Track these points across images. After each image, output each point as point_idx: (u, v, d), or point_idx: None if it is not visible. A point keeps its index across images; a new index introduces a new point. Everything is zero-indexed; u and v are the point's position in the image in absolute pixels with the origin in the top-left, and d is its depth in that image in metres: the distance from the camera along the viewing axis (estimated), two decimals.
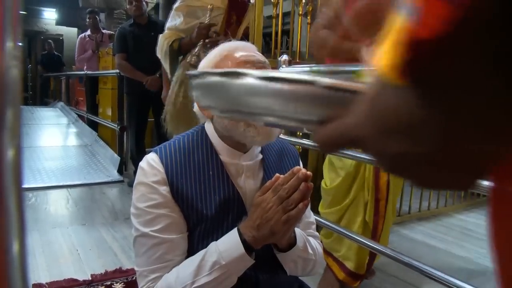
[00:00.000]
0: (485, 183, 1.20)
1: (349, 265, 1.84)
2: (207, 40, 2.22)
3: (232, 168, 0.99)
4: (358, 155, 1.62)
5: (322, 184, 1.93)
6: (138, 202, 0.94)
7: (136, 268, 0.95)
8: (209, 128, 1.01)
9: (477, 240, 2.82)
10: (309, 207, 1.13)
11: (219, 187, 0.96)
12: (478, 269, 2.36)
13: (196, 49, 2.24)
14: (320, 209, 1.96)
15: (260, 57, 0.97)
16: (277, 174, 0.89)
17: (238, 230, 0.89)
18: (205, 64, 1.00)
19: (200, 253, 0.91)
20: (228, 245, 0.88)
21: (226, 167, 0.98)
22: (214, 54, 1.00)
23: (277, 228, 0.86)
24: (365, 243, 1.61)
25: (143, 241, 0.92)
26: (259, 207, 0.88)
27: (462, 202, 3.65)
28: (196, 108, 1.03)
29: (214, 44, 2.18)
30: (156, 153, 0.97)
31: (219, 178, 0.97)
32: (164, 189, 0.92)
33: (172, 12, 2.40)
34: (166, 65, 2.44)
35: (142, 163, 0.97)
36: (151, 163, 0.95)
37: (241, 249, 0.87)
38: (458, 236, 2.88)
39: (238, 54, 0.96)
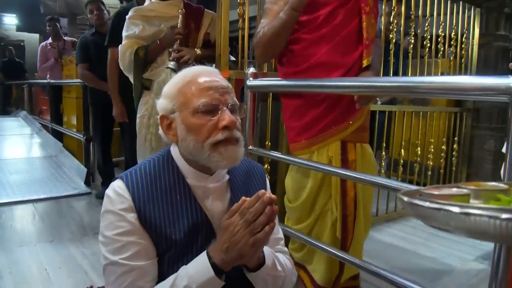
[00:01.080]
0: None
1: (316, 277, 1.85)
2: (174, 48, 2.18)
3: (199, 190, 1.00)
4: (327, 168, 1.65)
5: (285, 201, 1.91)
6: (106, 231, 0.94)
7: None
8: (174, 151, 1.02)
9: (443, 239, 2.92)
10: (277, 223, 1.16)
11: (187, 211, 0.97)
12: (444, 268, 2.44)
13: (172, 55, 2.17)
14: (286, 223, 1.95)
15: (223, 82, 0.99)
16: (243, 198, 0.91)
17: (207, 253, 0.90)
18: (168, 89, 1.01)
19: (171, 278, 0.91)
20: (197, 269, 0.89)
21: (193, 190, 1.00)
22: (177, 79, 1.01)
23: (245, 250, 0.87)
24: (335, 253, 1.65)
25: (112, 269, 0.93)
26: (227, 231, 0.89)
27: None
28: (161, 131, 1.03)
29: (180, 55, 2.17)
30: (122, 180, 0.97)
31: (186, 201, 0.98)
32: (132, 216, 0.93)
33: (127, 22, 2.34)
34: (130, 75, 2.40)
35: (109, 191, 0.97)
36: (117, 191, 0.95)
37: (210, 272, 0.88)
38: (425, 236, 2.97)
39: (201, 80, 0.97)
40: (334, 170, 1.62)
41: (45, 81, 5.53)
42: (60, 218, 3.19)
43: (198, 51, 2.28)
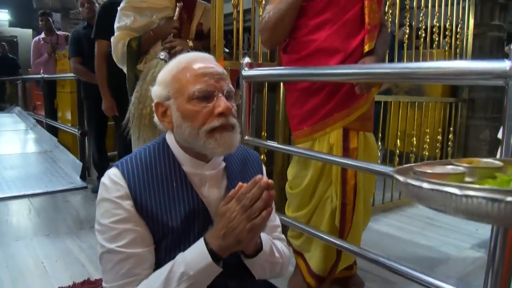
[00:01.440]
0: None
1: (313, 266, 1.86)
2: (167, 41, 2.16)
3: (196, 178, 1.00)
4: (326, 157, 1.65)
5: (287, 187, 1.93)
6: (102, 219, 0.93)
7: (104, 285, 0.95)
8: (170, 139, 1.02)
9: (439, 228, 2.94)
10: (274, 210, 1.16)
11: (183, 198, 0.97)
12: (440, 257, 2.45)
13: (164, 44, 2.15)
14: (286, 212, 1.97)
15: (218, 68, 0.98)
16: (240, 183, 0.90)
17: (205, 240, 0.90)
18: (163, 76, 1.00)
19: (168, 265, 0.91)
20: (195, 256, 0.89)
21: (189, 177, 0.99)
22: (172, 65, 1.00)
23: (242, 236, 0.87)
24: (332, 241, 1.65)
25: (109, 257, 0.92)
26: (224, 217, 0.89)
27: None
28: (156, 118, 1.02)
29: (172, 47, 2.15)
30: (118, 167, 0.96)
31: (182, 189, 0.97)
32: (128, 204, 0.92)
33: (119, 13, 2.31)
34: (124, 67, 2.38)
35: (104, 179, 0.96)
36: (113, 179, 0.94)
37: (208, 258, 0.88)
38: (421, 226, 2.99)
39: (196, 66, 0.96)
40: (331, 158, 1.62)
41: (38, 76, 5.49)
42: (56, 213, 3.18)
43: (191, 43, 2.27)
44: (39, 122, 6.16)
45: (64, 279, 2.09)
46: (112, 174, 0.95)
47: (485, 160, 0.65)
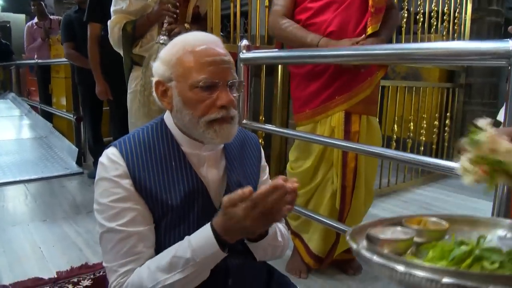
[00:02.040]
0: (434, 161, 1.25)
1: (312, 246, 1.87)
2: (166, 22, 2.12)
3: (194, 158, 0.99)
4: (325, 140, 1.65)
5: (288, 168, 1.94)
6: (101, 198, 0.92)
7: (105, 264, 0.94)
8: (168, 119, 1.01)
9: (435, 213, 2.94)
10: (270, 182, 1.16)
11: (183, 177, 0.96)
12: None
13: (163, 28, 2.12)
14: None
15: (225, 56, 0.95)
16: (249, 188, 0.84)
17: (212, 227, 0.88)
18: (167, 55, 0.97)
19: (172, 249, 0.90)
20: (201, 243, 0.88)
21: (188, 157, 0.98)
22: (178, 45, 0.96)
23: (255, 229, 0.87)
24: (330, 223, 1.65)
25: (109, 237, 0.91)
26: (232, 219, 0.84)
27: (419, 177, 3.79)
28: (155, 95, 1.00)
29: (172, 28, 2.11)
30: (116, 147, 0.95)
31: (181, 168, 0.97)
32: (127, 183, 0.91)
33: None
34: (120, 51, 2.35)
35: (102, 158, 0.95)
36: (111, 158, 0.93)
37: (215, 246, 0.87)
38: (418, 211, 3.00)
39: (203, 52, 0.93)
40: (330, 141, 1.61)
41: (32, 61, 5.43)
42: (53, 198, 3.16)
43: (187, 26, 2.23)
44: (34, 108, 6.11)
45: (62, 264, 2.08)
46: (110, 153, 0.94)
47: (433, 219, 0.72)
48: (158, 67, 0.98)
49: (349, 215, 1.80)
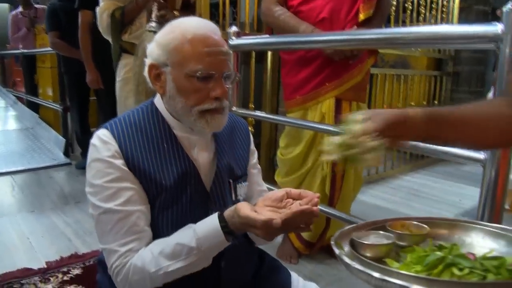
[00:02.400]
0: (428, 145, 1.26)
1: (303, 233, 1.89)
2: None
3: (185, 141, 0.99)
4: (316, 126, 1.65)
5: (278, 154, 1.95)
6: (94, 179, 0.91)
7: (103, 246, 0.93)
8: (159, 103, 1.00)
9: (423, 199, 2.98)
10: (260, 176, 1.17)
11: (175, 159, 0.96)
12: None
13: (153, 15, 2.08)
14: (276, 178, 2.00)
15: (223, 47, 0.93)
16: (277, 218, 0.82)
17: (220, 218, 0.88)
18: (164, 40, 0.94)
19: (176, 236, 0.90)
20: (207, 233, 0.88)
21: (179, 139, 0.98)
22: (175, 32, 0.93)
23: (265, 238, 0.86)
24: (322, 209, 1.66)
25: (107, 217, 0.90)
26: (248, 226, 0.85)
27: (407, 164, 3.83)
28: (148, 77, 0.98)
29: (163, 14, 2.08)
30: (107, 128, 0.94)
31: (173, 150, 0.96)
32: (120, 163, 0.91)
33: None
34: (109, 38, 2.32)
35: (94, 140, 0.94)
36: (102, 139, 0.92)
37: (221, 236, 0.87)
38: (406, 197, 3.03)
39: (202, 42, 0.91)
40: (318, 126, 1.62)
41: (17, 51, 5.33)
42: (40, 189, 3.13)
43: (177, 13, 2.21)
44: (19, 98, 6.02)
45: (51, 254, 2.07)
46: (102, 135, 0.93)
47: (415, 223, 0.78)
48: (153, 50, 0.95)
49: (339, 201, 1.81)
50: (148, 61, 0.96)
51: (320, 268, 1.97)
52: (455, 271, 0.62)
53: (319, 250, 2.02)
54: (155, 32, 2.01)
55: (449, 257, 0.64)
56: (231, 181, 1.03)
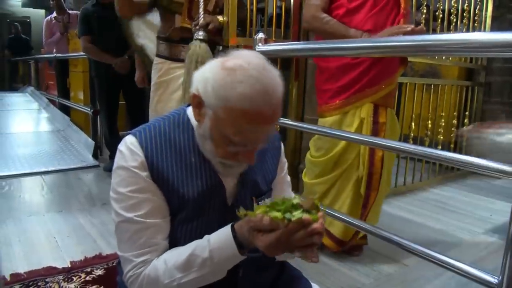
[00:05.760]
0: (460, 157, 1.22)
1: (334, 231, 1.95)
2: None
3: None
4: (346, 135, 1.67)
5: (308, 156, 2.01)
6: (119, 187, 0.91)
7: (120, 253, 0.94)
8: (192, 115, 0.95)
9: (452, 213, 2.90)
10: (289, 189, 1.15)
11: (201, 173, 0.94)
12: (453, 241, 2.42)
13: (200, 20, 2.08)
14: (304, 178, 2.06)
15: (271, 120, 0.86)
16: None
17: (233, 230, 0.87)
18: (220, 85, 0.83)
19: (189, 247, 0.90)
20: (221, 244, 0.87)
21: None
22: (234, 91, 0.81)
23: (270, 255, 0.85)
24: (345, 219, 1.64)
25: (126, 226, 0.91)
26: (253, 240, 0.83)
27: (436, 176, 3.73)
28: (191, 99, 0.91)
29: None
30: (135, 136, 0.93)
31: (201, 164, 0.95)
32: (145, 175, 0.90)
33: None
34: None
35: (121, 147, 0.94)
36: (130, 147, 0.92)
37: (234, 249, 0.86)
38: (433, 210, 2.95)
39: (253, 117, 0.82)
40: (347, 135, 1.60)
41: (51, 55, 5.50)
42: (69, 190, 3.20)
43: (221, 18, 2.20)
44: (52, 101, 6.19)
45: (76, 254, 2.10)
46: (130, 143, 0.92)
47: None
48: (202, 83, 0.86)
49: (375, 200, 1.90)
50: (195, 87, 0.88)
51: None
52: None
53: (349, 249, 2.08)
54: (202, 40, 2.04)
55: None
56: (254, 198, 0.99)
